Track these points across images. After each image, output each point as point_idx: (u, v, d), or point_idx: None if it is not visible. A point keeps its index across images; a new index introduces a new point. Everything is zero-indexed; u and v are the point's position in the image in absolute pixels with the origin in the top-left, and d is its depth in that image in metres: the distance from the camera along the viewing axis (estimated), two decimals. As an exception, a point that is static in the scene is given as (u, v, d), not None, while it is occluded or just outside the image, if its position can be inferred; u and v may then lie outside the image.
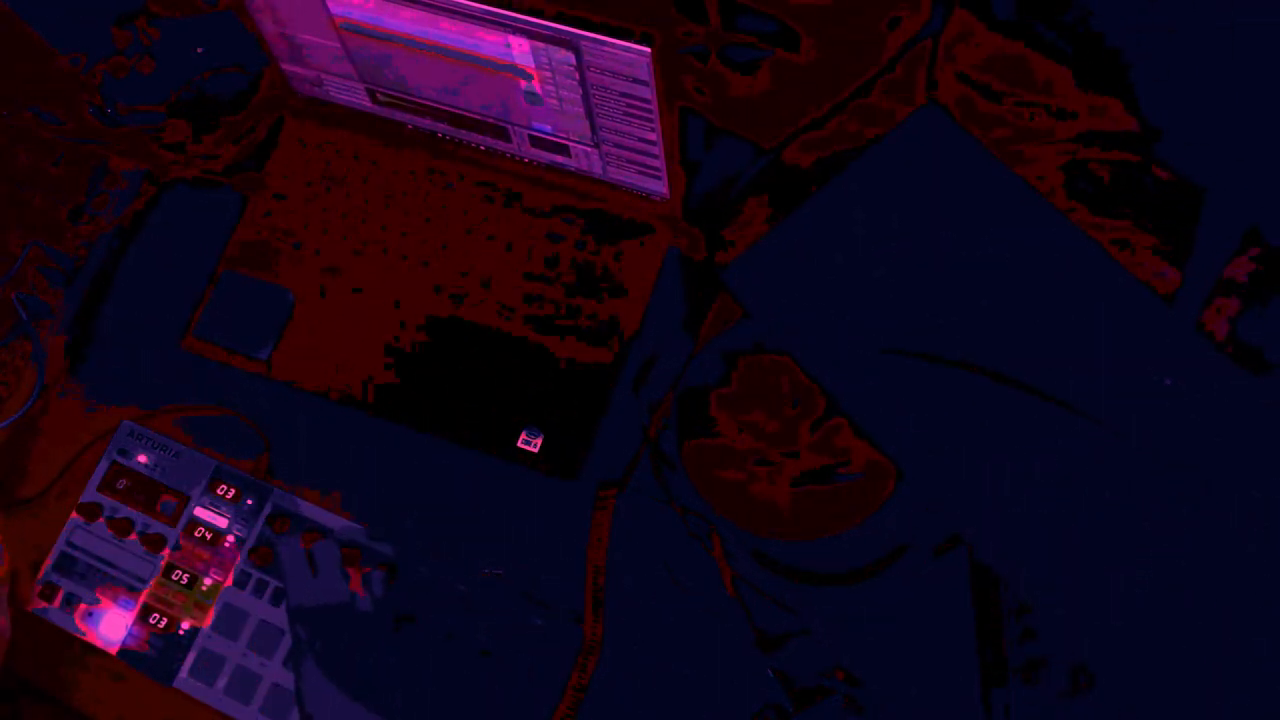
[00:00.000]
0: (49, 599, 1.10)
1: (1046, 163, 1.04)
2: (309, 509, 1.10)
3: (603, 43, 0.93)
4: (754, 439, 0.91)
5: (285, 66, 1.16)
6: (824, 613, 0.96)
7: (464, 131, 1.13)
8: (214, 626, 1.08)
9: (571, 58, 0.96)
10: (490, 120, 1.10)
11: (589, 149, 1.07)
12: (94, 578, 1.11)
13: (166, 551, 1.10)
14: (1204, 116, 0.99)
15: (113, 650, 1.09)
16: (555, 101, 1.02)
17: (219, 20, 1.23)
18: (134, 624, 1.09)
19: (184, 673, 1.07)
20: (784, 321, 0.76)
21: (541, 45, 0.96)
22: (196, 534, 1.10)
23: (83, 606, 1.10)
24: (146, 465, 1.13)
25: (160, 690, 1.07)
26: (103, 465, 1.14)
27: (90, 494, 1.14)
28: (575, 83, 0.99)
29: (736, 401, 0.92)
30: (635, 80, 0.96)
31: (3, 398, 1.17)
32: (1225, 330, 0.97)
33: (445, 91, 1.08)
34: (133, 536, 1.11)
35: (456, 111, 1.10)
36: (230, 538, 1.10)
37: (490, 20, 0.96)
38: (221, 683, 1.06)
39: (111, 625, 1.09)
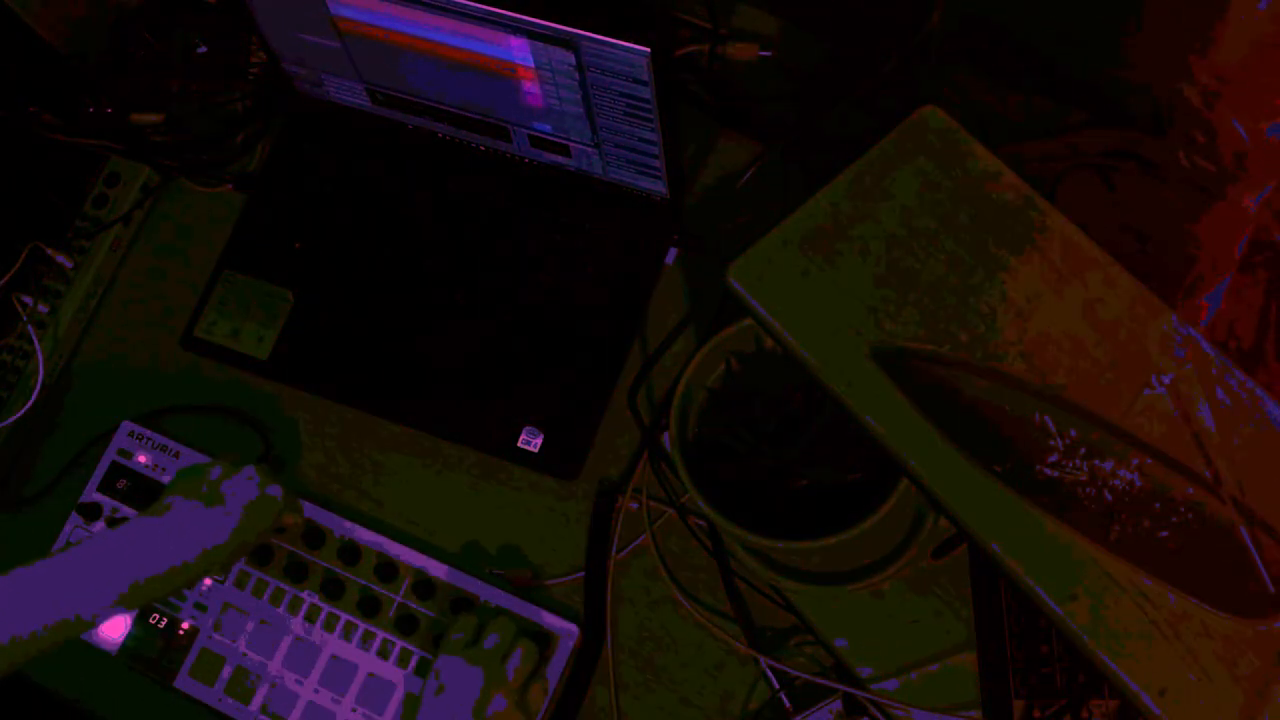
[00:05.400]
0: (49, 599, 1.10)
1: (1047, 162, 1.04)
2: (310, 512, 1.10)
3: (603, 43, 0.93)
4: (754, 439, 0.91)
5: (285, 66, 1.16)
6: (824, 613, 0.96)
7: (464, 131, 1.13)
8: (214, 626, 1.08)
9: (571, 58, 0.96)
10: (490, 120, 1.10)
11: (589, 149, 1.07)
12: (94, 578, 1.10)
13: (166, 551, 1.10)
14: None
15: (113, 650, 1.09)
16: (555, 101, 1.02)
17: (219, 20, 1.23)
18: (134, 624, 1.09)
19: (184, 673, 1.07)
20: (784, 320, 0.76)
21: (541, 45, 0.96)
22: (196, 534, 1.10)
23: (83, 606, 1.10)
24: (146, 465, 1.13)
25: (160, 690, 1.07)
26: (103, 465, 1.14)
27: (90, 494, 1.14)
28: (575, 83, 0.99)
29: (737, 401, 0.92)
30: (635, 80, 0.96)
31: (3, 398, 1.17)
32: (1224, 328, 0.97)
33: (445, 91, 1.08)
34: (133, 536, 1.11)
35: (456, 111, 1.10)
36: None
37: (490, 20, 0.96)
38: (221, 683, 1.06)
39: (111, 625, 1.09)
